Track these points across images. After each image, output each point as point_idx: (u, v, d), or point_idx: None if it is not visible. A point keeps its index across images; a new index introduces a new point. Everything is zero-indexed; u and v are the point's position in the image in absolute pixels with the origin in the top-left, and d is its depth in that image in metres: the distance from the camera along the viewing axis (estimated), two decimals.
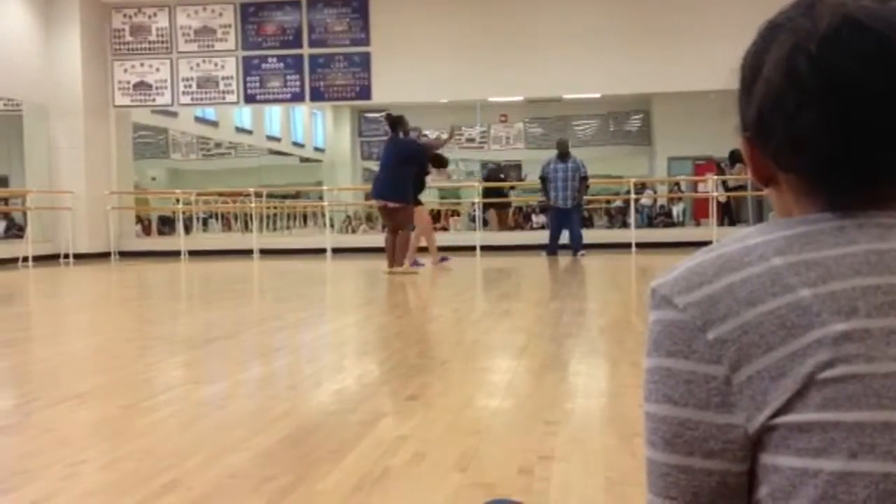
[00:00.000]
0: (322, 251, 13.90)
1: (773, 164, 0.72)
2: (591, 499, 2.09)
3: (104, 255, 14.03)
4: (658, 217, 18.64)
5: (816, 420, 0.62)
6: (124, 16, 14.69)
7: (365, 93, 14.54)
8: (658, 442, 0.69)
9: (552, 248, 12.24)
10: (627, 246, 13.50)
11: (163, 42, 14.67)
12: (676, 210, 19.59)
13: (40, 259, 13.05)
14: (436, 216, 17.00)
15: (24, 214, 14.40)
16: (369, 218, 19.76)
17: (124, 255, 14.32)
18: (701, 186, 18.13)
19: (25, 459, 2.53)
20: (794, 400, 0.63)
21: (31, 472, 2.39)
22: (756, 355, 0.64)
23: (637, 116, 22.31)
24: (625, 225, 15.54)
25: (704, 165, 19.76)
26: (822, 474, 0.61)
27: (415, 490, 2.19)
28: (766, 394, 0.64)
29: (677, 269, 0.71)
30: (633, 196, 14.73)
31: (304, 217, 21.67)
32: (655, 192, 19.58)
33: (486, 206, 16.07)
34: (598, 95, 16.29)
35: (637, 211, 15.38)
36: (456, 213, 19.60)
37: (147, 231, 17.56)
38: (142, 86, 14.76)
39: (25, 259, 12.77)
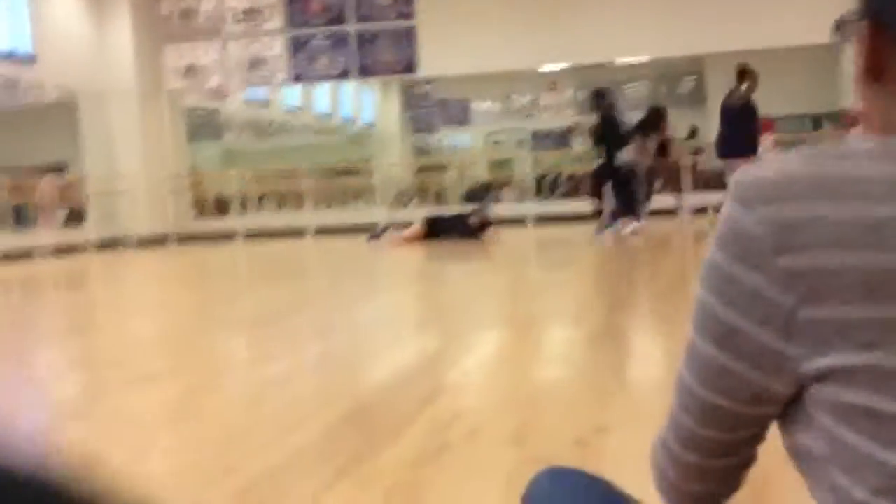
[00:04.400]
0: (375, 227, 13.99)
1: None
2: (646, 470, 2.10)
3: (163, 238, 14.32)
4: (713, 179, 18.33)
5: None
6: (172, 0, 14.87)
7: (411, 67, 14.54)
8: (707, 335, 0.66)
9: (617, 213, 11.93)
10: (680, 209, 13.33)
11: (211, 25, 14.82)
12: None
13: (102, 244, 13.36)
14: (487, 186, 16.97)
15: (85, 201, 14.74)
16: (421, 191, 19.80)
17: (183, 237, 14.59)
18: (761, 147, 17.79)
19: (96, 442, 2.63)
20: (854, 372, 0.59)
21: (100, 457, 2.48)
22: (829, 302, 0.59)
23: (690, 77, 21.93)
24: (676, 189, 15.29)
25: (762, 125, 19.38)
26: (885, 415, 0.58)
27: (472, 465, 2.23)
28: (831, 346, 0.60)
29: (767, 168, 0.64)
30: (686, 160, 14.50)
31: (356, 193, 21.80)
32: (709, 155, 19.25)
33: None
34: (648, 59, 16.03)
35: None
36: (507, 184, 19.53)
37: (204, 213, 17.82)
38: (192, 69, 14.96)
39: (87, 244, 13.09)
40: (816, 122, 16.76)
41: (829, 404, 0.61)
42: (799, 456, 0.66)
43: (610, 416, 2.60)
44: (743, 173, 0.65)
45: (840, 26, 0.72)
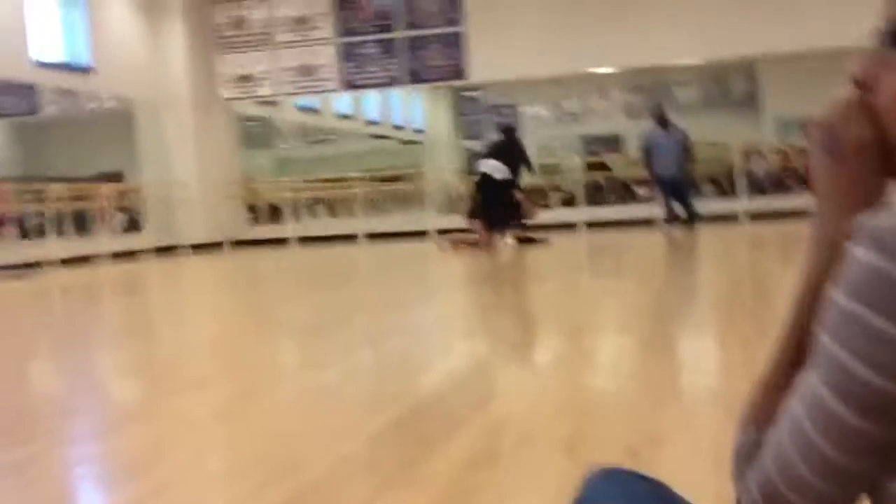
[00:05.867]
0: (425, 234, 14.04)
1: None
2: (699, 482, 2.08)
3: (218, 245, 14.53)
4: (771, 185, 18.05)
5: None
6: (226, 9, 15.11)
7: (460, 73, 14.58)
8: (851, 402, 0.60)
9: (671, 218, 11.80)
10: (735, 217, 13.16)
11: (263, 34, 15.03)
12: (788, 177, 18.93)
13: (158, 250, 13.60)
14: (538, 192, 16.91)
15: (141, 208, 15.03)
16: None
17: (237, 243, 14.79)
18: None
19: (153, 445, 2.68)
20: None
21: (158, 458, 2.53)
22: None
23: (742, 79, 21.62)
24: (730, 193, 15.09)
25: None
26: None
27: (522, 473, 2.22)
28: None
29: None
30: (740, 164, 14.31)
31: (406, 199, 21.90)
32: (765, 158, 18.97)
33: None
34: (700, 62, 15.85)
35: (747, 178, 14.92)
36: (557, 189, 19.44)
37: (257, 219, 18.05)
38: (245, 78, 15.17)
39: (145, 250, 13.34)
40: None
41: None
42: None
43: (663, 426, 2.58)
44: (873, 218, 0.61)
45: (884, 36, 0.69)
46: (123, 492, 2.26)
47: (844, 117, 0.70)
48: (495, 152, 11.16)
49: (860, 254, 0.59)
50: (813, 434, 0.63)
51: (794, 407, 0.65)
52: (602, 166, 16.80)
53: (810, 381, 0.63)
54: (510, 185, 10.73)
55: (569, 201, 16.48)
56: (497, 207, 10.67)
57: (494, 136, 12.27)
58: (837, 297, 0.60)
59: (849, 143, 0.69)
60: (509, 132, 11.52)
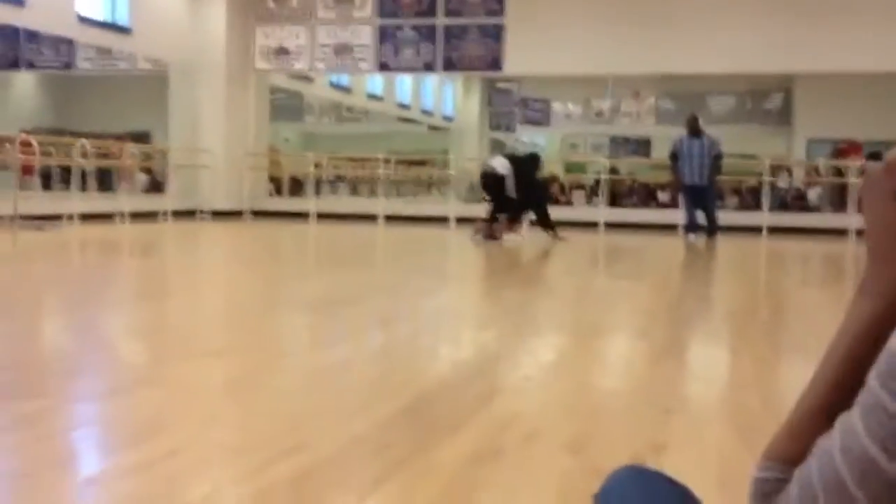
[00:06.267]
0: (445, 220, 14.04)
1: None
2: (703, 495, 2.08)
3: (238, 213, 14.59)
4: (793, 201, 17.95)
5: None
6: None
7: (496, 64, 14.54)
8: (887, 447, 0.59)
9: (692, 226, 11.78)
10: (758, 230, 13.09)
11: (303, 9, 15.03)
12: (813, 194, 18.81)
13: (179, 214, 13.68)
14: (560, 189, 16.87)
15: (166, 170, 15.12)
16: None
17: (257, 213, 14.84)
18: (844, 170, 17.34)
19: (161, 412, 2.70)
20: None
21: (165, 425, 2.55)
22: None
23: (777, 95, 21.46)
24: (757, 207, 15.00)
25: (847, 148, 18.89)
26: None
27: (526, 470, 2.23)
28: None
29: None
30: (766, 178, 14.22)
31: (430, 185, 21.89)
32: (791, 175, 18.85)
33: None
34: (734, 73, 15.73)
35: (772, 192, 14.83)
36: (581, 187, 19.39)
37: (279, 191, 18.12)
38: (281, 51, 15.19)
39: (165, 213, 13.42)
40: None
41: None
42: None
43: (669, 434, 2.58)
44: None
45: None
46: (132, 454, 2.28)
47: None
48: (512, 158, 11.08)
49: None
50: (842, 469, 0.62)
51: (829, 443, 0.64)
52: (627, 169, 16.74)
53: (851, 420, 0.62)
54: (516, 185, 10.55)
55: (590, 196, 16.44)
56: (508, 200, 10.66)
57: (519, 147, 12.03)
58: (893, 344, 0.59)
59: None
60: (535, 160, 11.22)
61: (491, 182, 10.71)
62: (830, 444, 0.64)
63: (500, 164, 10.74)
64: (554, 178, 12.44)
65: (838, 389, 0.69)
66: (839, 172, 16.24)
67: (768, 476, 0.72)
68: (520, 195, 10.55)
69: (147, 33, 13.92)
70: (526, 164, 10.89)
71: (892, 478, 0.59)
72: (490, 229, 10.59)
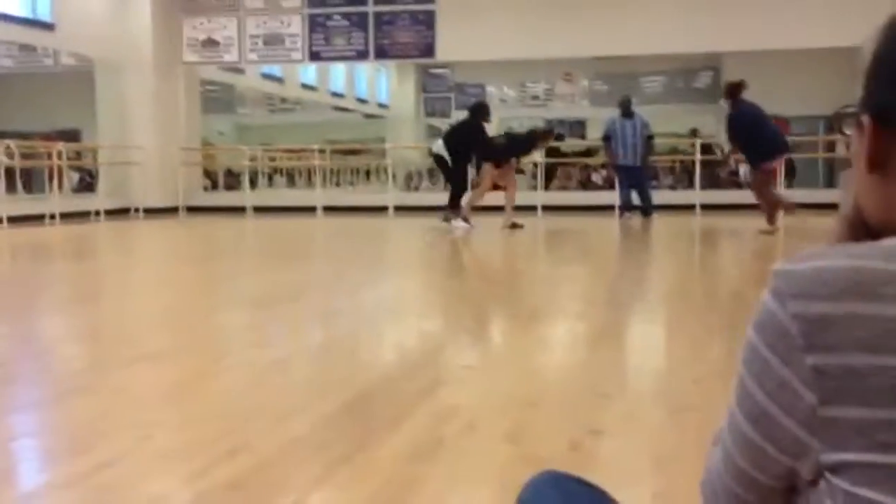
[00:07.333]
0: (384, 209, 14.02)
1: None
2: (637, 477, 2.13)
3: (173, 210, 14.37)
4: (725, 178, 18.29)
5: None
6: None
7: (429, 50, 14.52)
8: (744, 411, 0.68)
9: (627, 207, 11.91)
10: (692, 208, 13.33)
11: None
12: (744, 170, 19.21)
13: (111, 213, 13.42)
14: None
15: (96, 168, 14.80)
16: (431, 175, 19.80)
17: (192, 209, 14.64)
18: None
19: (98, 421, 2.67)
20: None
21: (103, 434, 2.52)
22: (852, 403, 0.60)
23: (706, 73, 21.82)
24: (690, 185, 15.25)
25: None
26: None
27: (466, 462, 2.26)
28: (849, 443, 0.61)
29: (805, 263, 0.65)
30: (698, 156, 14.47)
31: (367, 173, 21.82)
32: (723, 152, 19.22)
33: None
34: (665, 53, 15.96)
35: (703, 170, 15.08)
36: (520, 171, 19.48)
37: (214, 186, 17.89)
38: (210, 43, 14.96)
39: (97, 213, 13.15)
40: (829, 123, 16.71)
41: (843, 495, 0.62)
42: None
43: (605, 419, 2.63)
44: (782, 264, 0.66)
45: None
46: (67, 466, 2.26)
47: None
48: (449, 132, 11.13)
49: (765, 296, 0.66)
50: (728, 442, 0.71)
51: (724, 425, 0.72)
52: (559, 152, 16.87)
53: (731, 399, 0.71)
54: (456, 161, 10.58)
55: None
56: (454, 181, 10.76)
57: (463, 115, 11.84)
58: (749, 330, 0.67)
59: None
60: (473, 112, 10.98)
61: (438, 163, 10.92)
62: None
63: (437, 146, 10.81)
64: (545, 134, 11.90)
65: None
66: None
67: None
68: (460, 170, 10.62)
69: (71, 29, 13.58)
70: (467, 124, 10.76)
71: (750, 437, 0.68)
72: (455, 212, 10.57)
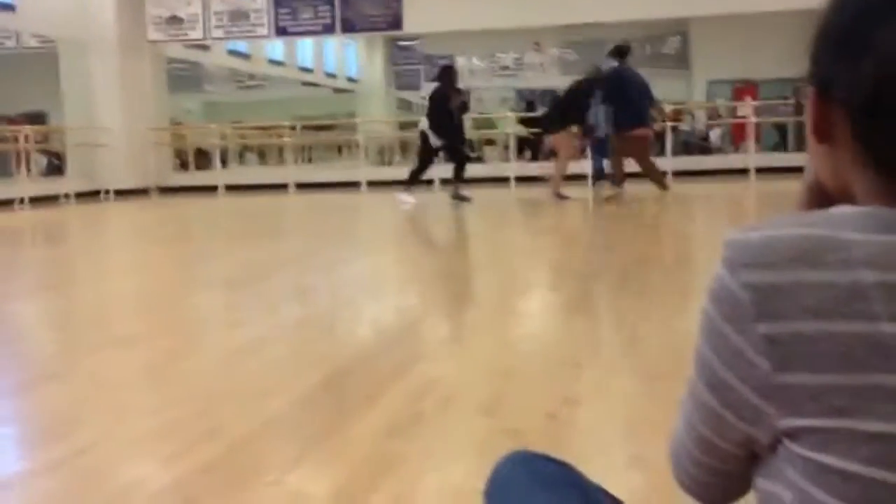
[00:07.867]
0: (357, 185, 13.96)
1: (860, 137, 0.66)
2: (612, 444, 2.16)
3: (143, 191, 14.23)
4: (696, 143, 18.40)
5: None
6: None
7: (396, 22, 14.41)
8: (702, 378, 0.69)
9: (599, 175, 11.84)
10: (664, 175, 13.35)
11: None
12: (714, 135, 19.30)
13: (81, 196, 13.27)
14: (470, 145, 16.89)
15: (64, 151, 14.61)
16: (403, 149, 19.73)
17: (163, 190, 14.51)
18: (740, 110, 17.81)
19: (73, 406, 2.66)
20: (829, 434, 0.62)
21: (78, 419, 2.52)
22: (804, 369, 0.62)
23: (674, 39, 21.85)
24: (661, 152, 15.29)
25: (744, 89, 19.39)
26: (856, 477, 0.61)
27: (444, 436, 2.28)
28: (803, 409, 0.62)
29: (756, 232, 0.66)
30: (668, 123, 14.48)
31: (339, 149, 21.71)
32: (694, 118, 19.29)
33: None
34: (632, 19, 15.94)
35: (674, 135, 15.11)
36: (491, 143, 19.46)
37: (185, 166, 17.73)
38: (174, 20, 14.75)
39: (67, 196, 13.00)
40: (797, 86, 16.80)
41: (801, 461, 0.63)
42: (768, 501, 0.69)
43: (579, 388, 2.66)
44: (733, 233, 0.67)
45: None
46: (44, 452, 2.25)
47: None
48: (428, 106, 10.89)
49: (718, 267, 0.67)
50: (689, 408, 0.72)
51: (685, 392, 0.74)
52: (533, 122, 16.84)
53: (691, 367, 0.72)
54: (441, 135, 10.34)
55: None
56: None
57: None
58: (704, 299, 0.68)
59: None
60: (439, 78, 10.66)
61: (423, 139, 10.53)
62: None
63: (422, 123, 10.57)
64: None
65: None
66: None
67: None
68: (444, 137, 10.30)
69: (32, 9, 13.34)
70: (432, 102, 10.46)
71: (708, 403, 0.69)
72: (458, 188, 10.39)
